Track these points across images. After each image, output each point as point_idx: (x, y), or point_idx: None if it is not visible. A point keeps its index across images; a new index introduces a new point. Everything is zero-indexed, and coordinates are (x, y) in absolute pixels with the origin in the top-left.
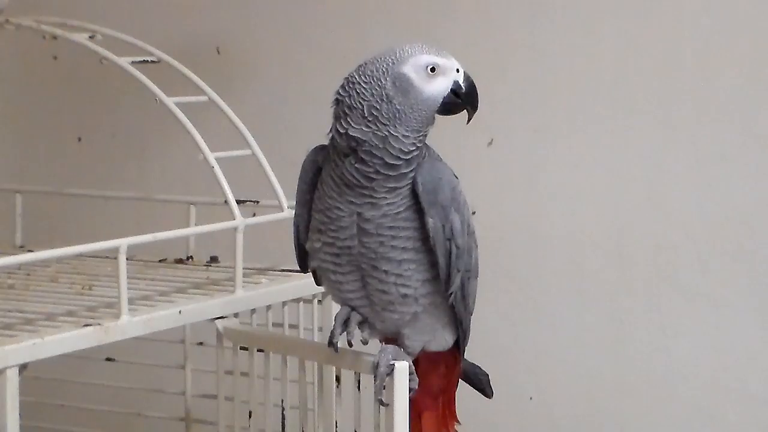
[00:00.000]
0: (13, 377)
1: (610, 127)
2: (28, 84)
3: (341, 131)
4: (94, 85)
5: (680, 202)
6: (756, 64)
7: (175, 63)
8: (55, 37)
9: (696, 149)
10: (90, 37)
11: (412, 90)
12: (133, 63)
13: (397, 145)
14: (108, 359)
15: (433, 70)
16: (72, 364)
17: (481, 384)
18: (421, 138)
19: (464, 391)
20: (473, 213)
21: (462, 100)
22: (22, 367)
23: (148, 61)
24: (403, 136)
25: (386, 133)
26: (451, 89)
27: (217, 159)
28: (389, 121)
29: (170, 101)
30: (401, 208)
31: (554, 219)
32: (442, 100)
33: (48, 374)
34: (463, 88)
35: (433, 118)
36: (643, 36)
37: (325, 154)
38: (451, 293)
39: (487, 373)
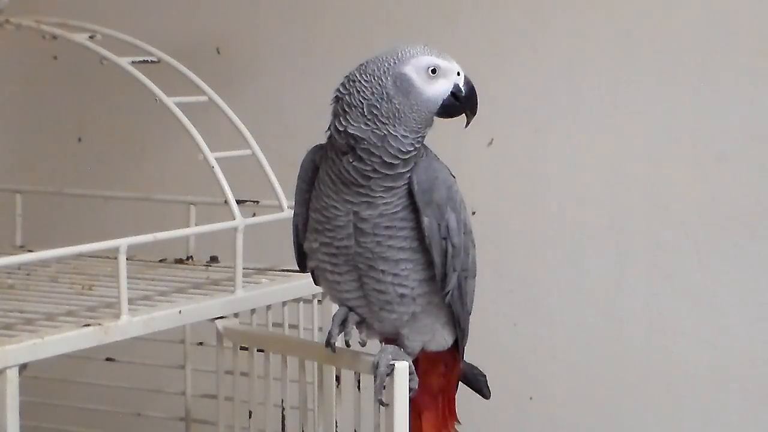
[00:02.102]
0: (13, 377)
1: (610, 127)
2: (28, 84)
3: (340, 129)
4: (94, 85)
5: (680, 202)
6: (756, 64)
7: (175, 63)
8: (55, 37)
9: (696, 149)
10: (90, 37)
11: (413, 90)
12: (133, 63)
13: (395, 144)
14: (108, 359)
15: (434, 71)
16: (72, 364)
17: (479, 384)
18: (419, 139)
19: (464, 391)
20: (473, 213)
21: (461, 103)
22: (22, 367)
23: (148, 61)
24: (402, 135)
25: (385, 132)
26: (451, 92)
27: (217, 159)
28: (388, 120)
29: (170, 101)
30: (398, 208)
31: (554, 219)
32: (441, 102)
33: (48, 374)
34: (463, 91)
35: (432, 119)
36: (643, 36)
37: (322, 153)
38: (448, 292)
39: (485, 373)
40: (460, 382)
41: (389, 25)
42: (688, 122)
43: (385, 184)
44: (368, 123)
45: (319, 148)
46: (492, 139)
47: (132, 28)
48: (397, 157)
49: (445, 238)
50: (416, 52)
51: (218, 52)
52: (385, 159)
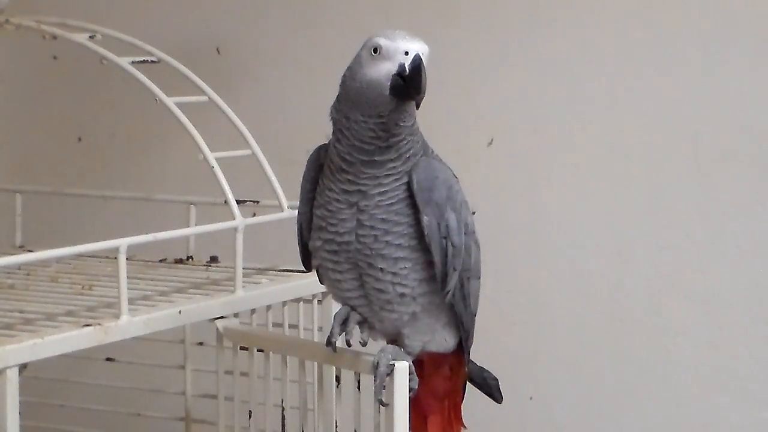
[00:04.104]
0: (13, 377)
1: (610, 127)
2: (28, 84)
3: (330, 113)
4: (94, 85)
5: (680, 202)
6: (757, 64)
7: (175, 63)
8: (55, 37)
9: (696, 149)
10: (90, 37)
11: (359, 72)
12: (133, 63)
13: (357, 128)
14: (108, 359)
15: (375, 51)
16: (72, 364)
17: (490, 389)
18: (380, 123)
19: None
20: (473, 213)
21: (405, 83)
22: (22, 367)
23: (148, 61)
24: (361, 120)
25: (348, 116)
26: (398, 72)
27: (217, 159)
28: (346, 104)
29: (170, 101)
30: (393, 200)
31: (554, 219)
32: (388, 83)
33: (48, 374)
34: (407, 70)
35: (392, 102)
36: (643, 36)
37: (323, 152)
38: (448, 292)
39: (497, 377)
40: (472, 386)
41: (389, 25)
42: (689, 122)
43: (367, 171)
44: (337, 107)
45: (322, 147)
46: (492, 139)
47: (132, 28)
48: (363, 140)
49: (444, 237)
50: (375, 34)
51: (218, 52)
52: (354, 143)
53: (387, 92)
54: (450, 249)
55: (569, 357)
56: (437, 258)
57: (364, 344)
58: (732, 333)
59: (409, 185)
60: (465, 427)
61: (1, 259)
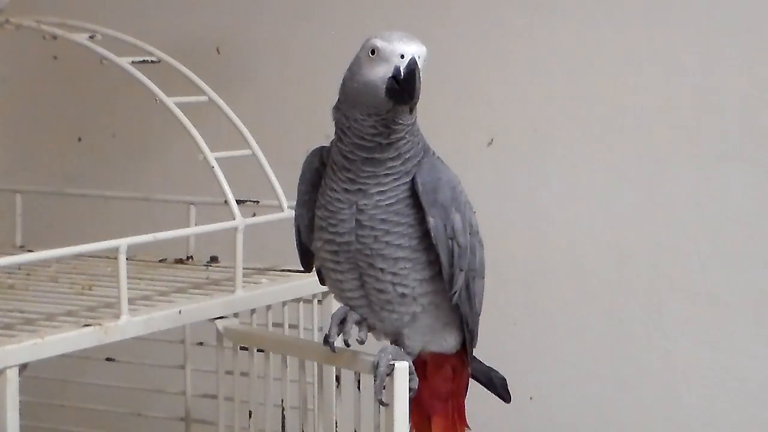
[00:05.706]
0: (13, 377)
1: (609, 127)
2: (28, 84)
3: (332, 113)
4: (94, 85)
5: (680, 202)
6: (757, 64)
7: (175, 63)
8: (55, 37)
9: (696, 149)
10: (90, 37)
11: (357, 74)
12: (133, 63)
13: (357, 126)
14: (108, 359)
15: (373, 52)
16: (72, 364)
17: (497, 388)
18: (381, 120)
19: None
20: (474, 212)
21: (399, 86)
22: (22, 367)
23: (148, 61)
24: (361, 119)
25: (348, 114)
26: (393, 75)
27: (217, 159)
28: (346, 104)
29: (170, 101)
30: (392, 200)
31: (554, 219)
32: (384, 85)
33: (48, 374)
34: (402, 74)
35: (388, 103)
36: (644, 35)
37: (326, 153)
38: (455, 292)
39: (504, 376)
40: (473, 387)
41: (389, 24)
42: (689, 121)
43: (367, 169)
44: (338, 107)
45: (320, 149)
46: (492, 139)
47: (132, 28)
48: (364, 138)
49: (451, 239)
50: (374, 35)
51: (218, 52)
52: (355, 141)
53: (383, 94)
54: (456, 250)
55: (569, 357)
56: (444, 259)
57: (361, 342)
58: (732, 333)
59: (411, 186)
60: (469, 427)
61: (1, 259)
